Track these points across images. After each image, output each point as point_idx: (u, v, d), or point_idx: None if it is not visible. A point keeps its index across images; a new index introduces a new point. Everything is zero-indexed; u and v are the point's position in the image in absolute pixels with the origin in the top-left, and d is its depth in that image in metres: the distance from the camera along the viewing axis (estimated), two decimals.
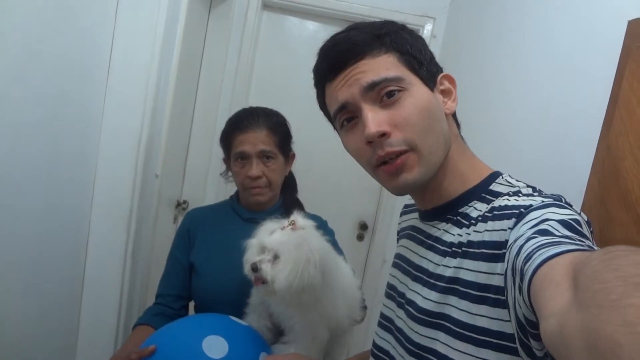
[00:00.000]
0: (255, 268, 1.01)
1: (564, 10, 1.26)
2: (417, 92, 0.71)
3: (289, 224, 1.05)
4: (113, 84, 1.53)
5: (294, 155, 1.44)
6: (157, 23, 1.56)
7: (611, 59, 0.95)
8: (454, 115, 0.78)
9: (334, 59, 0.74)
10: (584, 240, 0.52)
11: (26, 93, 1.16)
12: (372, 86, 0.70)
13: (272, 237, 1.04)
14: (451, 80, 0.77)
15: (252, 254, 1.06)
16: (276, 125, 1.35)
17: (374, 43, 0.72)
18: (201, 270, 1.34)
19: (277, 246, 1.01)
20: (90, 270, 1.61)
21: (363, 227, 2.79)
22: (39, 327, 1.41)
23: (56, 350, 1.54)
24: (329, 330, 1.13)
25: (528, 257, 0.50)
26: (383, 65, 0.71)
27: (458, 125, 0.80)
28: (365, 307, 1.30)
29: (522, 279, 0.50)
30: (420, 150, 0.70)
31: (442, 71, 0.77)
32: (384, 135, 0.69)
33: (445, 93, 0.76)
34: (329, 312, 1.11)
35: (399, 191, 0.74)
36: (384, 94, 0.70)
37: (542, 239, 0.52)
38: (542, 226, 0.55)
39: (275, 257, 1.01)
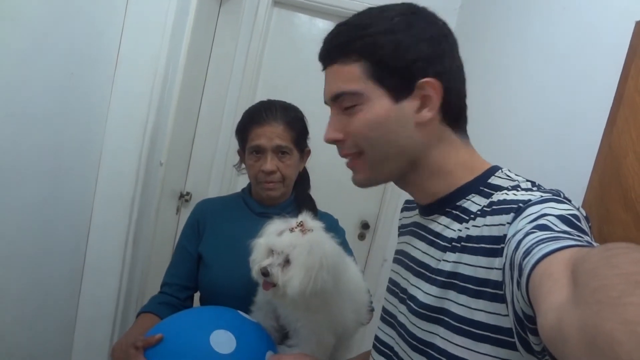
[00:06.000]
0: (265, 272, 0.99)
1: (571, 11, 1.26)
2: (373, 106, 0.73)
3: (298, 225, 1.03)
4: (121, 72, 1.54)
5: (309, 152, 1.42)
6: (167, 14, 1.57)
7: (617, 60, 0.95)
8: (450, 117, 0.75)
9: (320, 54, 0.80)
10: (582, 235, 0.52)
11: (33, 79, 1.16)
12: (334, 98, 0.76)
13: (281, 240, 1.01)
14: (434, 87, 0.71)
15: (259, 255, 1.03)
16: (294, 121, 1.33)
17: (348, 48, 0.73)
18: (209, 262, 1.33)
19: (289, 250, 0.98)
20: (90, 256, 1.61)
21: (365, 226, 2.79)
22: (38, 313, 1.41)
23: (54, 335, 1.55)
24: (335, 336, 1.11)
25: (527, 252, 0.50)
26: (346, 76, 0.74)
27: (454, 126, 0.76)
28: (372, 310, 1.28)
29: (520, 274, 0.50)
30: (368, 158, 0.76)
31: (426, 75, 0.71)
32: (338, 141, 0.77)
33: (426, 99, 0.72)
34: (336, 317, 1.09)
35: (357, 186, 0.81)
36: (343, 107, 0.75)
37: (541, 234, 0.52)
38: (541, 221, 0.55)
39: (286, 261, 0.99)
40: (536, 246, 0.49)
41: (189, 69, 1.93)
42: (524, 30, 1.53)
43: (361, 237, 2.80)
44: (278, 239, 1.02)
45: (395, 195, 2.65)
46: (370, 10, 0.76)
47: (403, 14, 0.73)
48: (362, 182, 0.79)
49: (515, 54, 1.53)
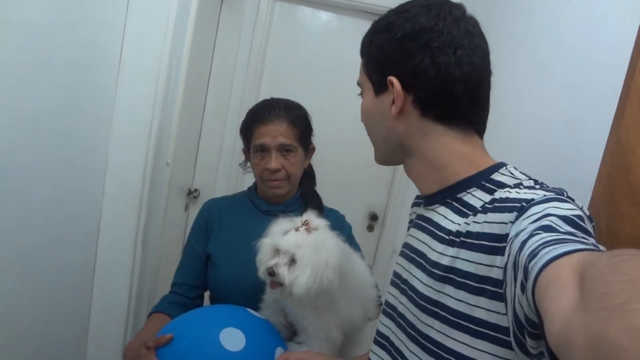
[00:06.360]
0: (272, 272, 1.00)
1: (579, 2, 1.23)
2: (365, 97, 0.84)
3: (303, 224, 1.04)
4: (124, 75, 1.54)
5: (313, 149, 1.43)
6: (168, 13, 1.56)
7: (625, 52, 0.93)
8: (434, 113, 0.75)
9: None
10: (587, 237, 0.52)
11: (39, 84, 1.17)
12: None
13: (287, 239, 1.01)
14: (394, 85, 0.75)
15: (265, 255, 1.04)
16: (297, 118, 1.34)
17: (361, 45, 0.84)
18: (217, 261, 1.34)
19: (294, 249, 0.99)
20: (101, 257, 1.63)
21: (373, 217, 2.79)
22: (51, 314, 1.43)
23: (68, 337, 1.57)
24: (342, 332, 1.12)
25: (533, 255, 0.50)
26: (360, 69, 0.85)
27: (443, 121, 0.76)
28: (380, 304, 1.29)
29: (526, 277, 0.50)
30: (371, 141, 0.87)
31: (391, 73, 0.75)
32: None
33: (394, 96, 0.76)
34: (343, 314, 1.10)
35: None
36: None
37: (546, 236, 0.51)
38: (545, 222, 0.55)
39: (292, 260, 1.00)
40: (542, 249, 0.49)
41: (193, 67, 1.93)
42: (530, 22, 1.50)
43: (370, 228, 2.80)
44: (283, 239, 1.03)
45: (403, 186, 2.64)
46: (386, 14, 0.80)
47: (395, 12, 0.78)
48: (375, 159, 0.88)
49: (521, 46, 1.50)
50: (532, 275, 0.48)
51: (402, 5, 0.78)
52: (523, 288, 0.50)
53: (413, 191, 0.88)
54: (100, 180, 1.58)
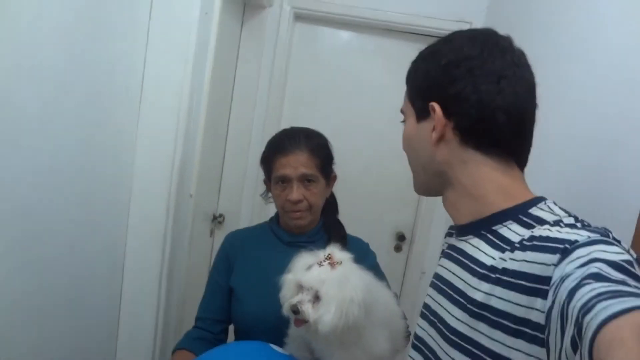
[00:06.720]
0: (296, 310, 0.98)
1: (616, 6, 1.14)
2: (407, 124, 0.84)
3: (326, 259, 1.02)
4: (146, 107, 1.55)
5: (335, 177, 1.41)
6: (188, 43, 1.57)
7: None
8: (475, 141, 0.74)
9: None
10: (639, 285, 0.50)
11: (59, 125, 1.18)
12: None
13: (310, 275, 1.00)
14: (435, 110, 0.75)
15: (289, 292, 1.02)
16: (318, 148, 1.32)
17: (407, 72, 0.85)
18: (241, 295, 1.33)
19: (318, 285, 0.97)
20: (126, 292, 1.63)
21: (401, 238, 2.73)
22: (77, 354, 1.43)
23: None
24: None
25: (587, 309, 0.47)
26: (404, 97, 0.86)
27: (484, 150, 0.75)
28: (409, 335, 1.25)
29: (579, 332, 0.47)
30: (412, 169, 0.87)
31: (433, 100, 0.76)
32: None
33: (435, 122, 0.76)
34: (371, 348, 1.07)
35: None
36: None
37: (598, 286, 0.49)
38: (593, 269, 0.52)
39: (316, 297, 0.98)
40: (597, 303, 0.46)
41: (214, 96, 1.93)
42: (562, 29, 1.41)
43: (397, 249, 2.74)
44: (307, 274, 1.01)
45: (430, 205, 2.58)
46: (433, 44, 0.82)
47: (442, 41, 0.79)
48: (414, 188, 0.89)
49: (552, 55, 1.42)
50: (588, 334, 0.45)
51: (448, 35, 0.79)
52: (574, 343, 0.48)
53: (441, 210, 0.86)
54: (124, 215, 1.58)
